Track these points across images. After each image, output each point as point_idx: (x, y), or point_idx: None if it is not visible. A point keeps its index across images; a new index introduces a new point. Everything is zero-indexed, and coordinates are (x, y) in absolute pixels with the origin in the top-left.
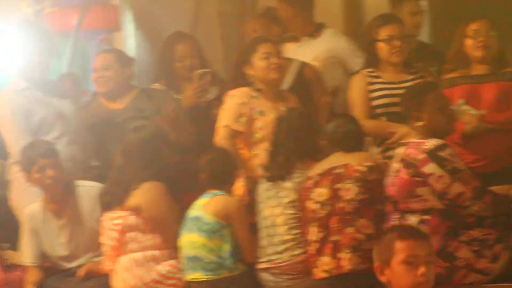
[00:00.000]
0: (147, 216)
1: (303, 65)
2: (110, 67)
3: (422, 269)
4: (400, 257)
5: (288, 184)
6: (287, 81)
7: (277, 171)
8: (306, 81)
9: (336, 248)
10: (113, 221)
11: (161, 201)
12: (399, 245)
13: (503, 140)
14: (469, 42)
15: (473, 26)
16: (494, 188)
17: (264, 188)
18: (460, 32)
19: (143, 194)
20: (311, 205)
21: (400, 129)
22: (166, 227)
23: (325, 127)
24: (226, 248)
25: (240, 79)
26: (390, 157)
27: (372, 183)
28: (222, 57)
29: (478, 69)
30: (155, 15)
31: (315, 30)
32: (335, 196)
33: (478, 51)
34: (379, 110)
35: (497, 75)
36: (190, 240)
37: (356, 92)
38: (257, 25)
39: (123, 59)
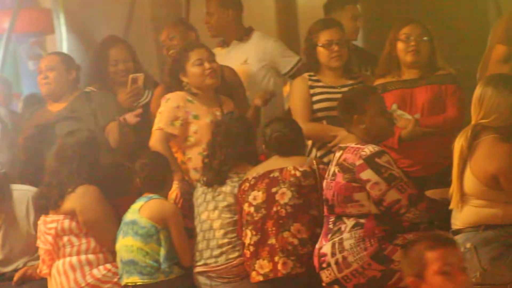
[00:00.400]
0: (81, 220)
1: (223, 68)
2: (55, 68)
3: (461, 277)
4: (434, 268)
5: (225, 188)
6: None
7: (214, 175)
8: (228, 84)
9: (272, 251)
10: (48, 225)
11: (96, 205)
12: (430, 255)
13: (439, 143)
14: (400, 46)
15: (404, 30)
16: (430, 192)
17: (201, 192)
18: (392, 35)
19: (78, 198)
20: (247, 208)
21: (341, 133)
22: (101, 231)
23: (263, 130)
24: (162, 252)
25: (175, 87)
26: (330, 162)
27: (306, 188)
28: (157, 61)
29: (409, 74)
30: (88, 19)
31: (244, 34)
32: (270, 199)
33: (408, 56)
34: (319, 114)
35: (429, 79)
36: (126, 244)
37: (298, 96)
38: (174, 32)
39: (69, 61)
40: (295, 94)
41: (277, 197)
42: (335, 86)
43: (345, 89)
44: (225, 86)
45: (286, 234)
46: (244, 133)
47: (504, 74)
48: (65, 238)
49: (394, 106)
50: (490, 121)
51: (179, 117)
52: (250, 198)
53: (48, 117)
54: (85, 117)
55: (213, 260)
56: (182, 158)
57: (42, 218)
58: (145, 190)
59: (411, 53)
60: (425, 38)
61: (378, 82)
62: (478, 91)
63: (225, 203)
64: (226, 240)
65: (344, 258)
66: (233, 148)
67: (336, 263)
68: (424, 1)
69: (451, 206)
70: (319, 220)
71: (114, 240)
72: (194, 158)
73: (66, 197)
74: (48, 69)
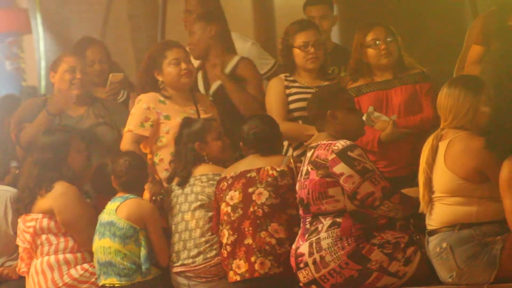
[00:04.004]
0: (59, 219)
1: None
2: (85, 72)
3: None
4: None
5: (196, 188)
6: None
7: (180, 176)
8: (240, 77)
9: (249, 251)
10: (27, 223)
11: (74, 205)
12: None
13: (415, 143)
14: (371, 52)
15: (370, 36)
16: (404, 191)
17: (175, 194)
18: (357, 43)
19: (56, 197)
20: (224, 207)
21: (317, 132)
22: (79, 231)
23: (241, 127)
24: (143, 252)
25: (149, 85)
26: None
27: (283, 188)
28: (133, 61)
29: (382, 75)
30: (65, 18)
31: None
32: (247, 199)
33: (382, 59)
34: (295, 114)
35: (402, 79)
36: (103, 245)
37: (274, 95)
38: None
39: None
40: (271, 94)
41: (254, 197)
42: (311, 87)
43: None
44: (236, 79)
45: (263, 234)
46: (199, 136)
47: (465, 76)
48: (43, 237)
49: (371, 109)
50: (457, 123)
51: (149, 119)
52: (227, 198)
53: (70, 120)
54: (110, 123)
55: (190, 260)
56: (154, 159)
57: (23, 216)
58: (121, 190)
59: (384, 56)
60: (389, 39)
61: (351, 86)
62: (440, 94)
63: (198, 203)
64: (203, 239)
65: (321, 257)
66: (192, 150)
67: (314, 263)
68: (400, 2)
69: (420, 210)
70: (297, 219)
71: (92, 240)
72: (166, 159)
73: (44, 196)
74: (83, 72)
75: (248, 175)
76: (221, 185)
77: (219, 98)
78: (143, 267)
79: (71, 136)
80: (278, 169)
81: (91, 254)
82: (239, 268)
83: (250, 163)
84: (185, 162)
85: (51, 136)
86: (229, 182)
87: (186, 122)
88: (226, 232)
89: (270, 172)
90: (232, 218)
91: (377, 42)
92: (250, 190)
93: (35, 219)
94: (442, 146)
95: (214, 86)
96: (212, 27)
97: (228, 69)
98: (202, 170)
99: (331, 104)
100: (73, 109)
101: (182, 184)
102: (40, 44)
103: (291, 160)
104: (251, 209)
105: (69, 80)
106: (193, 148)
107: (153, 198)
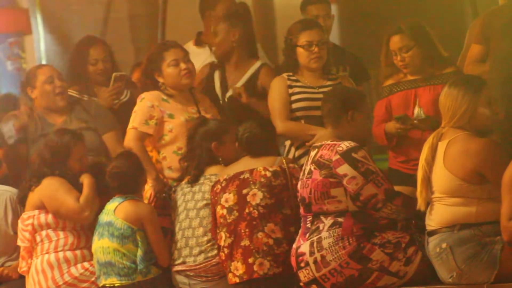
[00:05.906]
0: (48, 207)
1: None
2: (64, 79)
3: None
4: None
5: (204, 187)
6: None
7: (192, 174)
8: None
9: (246, 253)
10: (25, 221)
11: (59, 191)
12: None
13: None
14: (394, 59)
15: (391, 45)
16: (404, 189)
17: (181, 193)
18: (384, 48)
19: (43, 189)
20: (220, 210)
21: (320, 132)
22: (66, 213)
23: (237, 129)
24: (139, 252)
25: (150, 87)
26: (305, 161)
27: (277, 188)
28: (133, 61)
29: (413, 75)
30: (65, 18)
31: None
32: (242, 201)
33: (402, 68)
34: (298, 113)
35: (433, 78)
36: (102, 245)
37: (276, 95)
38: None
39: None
40: (273, 94)
41: (249, 198)
42: (314, 87)
43: (324, 89)
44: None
45: (260, 235)
46: (213, 137)
47: (467, 76)
48: (43, 233)
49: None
50: (455, 122)
51: (154, 116)
52: (222, 200)
53: (52, 128)
54: (94, 127)
55: (192, 258)
56: (157, 157)
57: (21, 216)
58: (118, 192)
59: (403, 67)
60: (411, 47)
61: (387, 83)
62: (442, 93)
63: (204, 202)
64: (205, 238)
65: (322, 257)
66: (205, 150)
67: (315, 262)
68: (401, 2)
69: (417, 207)
70: (292, 218)
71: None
72: (168, 157)
73: (32, 192)
74: (61, 79)
75: (242, 176)
76: (215, 188)
77: (235, 102)
78: (139, 267)
79: (75, 143)
80: (270, 169)
81: (90, 251)
82: (237, 270)
83: (243, 164)
84: (199, 161)
85: (57, 136)
86: (223, 184)
87: (203, 121)
88: (223, 235)
89: (263, 172)
90: (228, 221)
91: (397, 52)
92: (245, 191)
93: (32, 216)
94: (442, 146)
95: (232, 91)
96: (236, 31)
97: (247, 75)
98: (213, 170)
99: (356, 105)
100: (54, 117)
101: (193, 182)
102: (41, 44)
103: (283, 160)
104: (247, 211)
105: (51, 90)
106: (210, 148)
107: (157, 195)
